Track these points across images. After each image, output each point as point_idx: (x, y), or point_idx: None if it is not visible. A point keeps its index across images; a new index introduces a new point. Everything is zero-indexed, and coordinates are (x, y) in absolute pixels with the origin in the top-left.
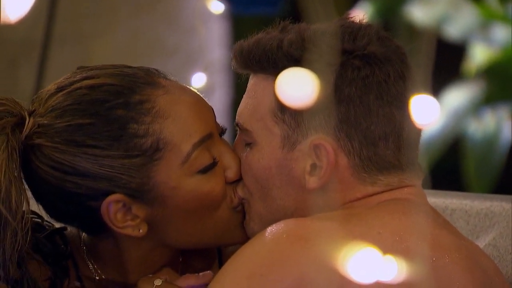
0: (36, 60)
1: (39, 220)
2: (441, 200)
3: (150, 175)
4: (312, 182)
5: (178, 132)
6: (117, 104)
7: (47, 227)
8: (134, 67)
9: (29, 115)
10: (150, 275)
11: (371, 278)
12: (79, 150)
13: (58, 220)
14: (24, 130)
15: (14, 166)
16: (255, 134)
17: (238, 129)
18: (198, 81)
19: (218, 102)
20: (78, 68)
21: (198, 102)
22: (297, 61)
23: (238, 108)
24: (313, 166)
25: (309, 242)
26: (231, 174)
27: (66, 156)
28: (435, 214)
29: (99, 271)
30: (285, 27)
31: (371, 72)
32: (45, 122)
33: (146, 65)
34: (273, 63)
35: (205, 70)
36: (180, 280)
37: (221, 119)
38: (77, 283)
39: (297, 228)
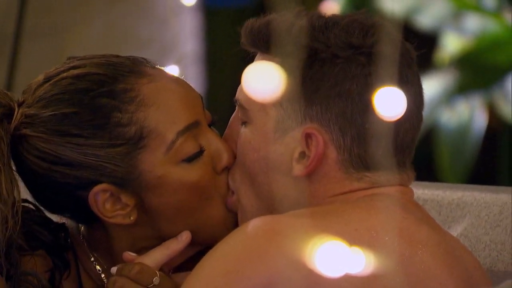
0: (8, 54)
1: (43, 213)
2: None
3: (135, 163)
4: (297, 169)
5: (162, 120)
6: (101, 92)
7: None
8: (123, 57)
9: (18, 106)
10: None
11: (347, 274)
12: (63, 139)
13: (50, 211)
14: (13, 120)
15: (2, 155)
16: (251, 113)
17: (237, 105)
18: (171, 73)
19: None
20: (68, 58)
21: (184, 90)
22: (303, 48)
23: (241, 84)
24: (302, 154)
25: (286, 238)
26: (221, 162)
27: (50, 145)
28: (416, 209)
29: (100, 261)
30: (300, 12)
31: (374, 71)
32: (32, 112)
33: None
34: (279, 46)
35: (178, 62)
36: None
37: None
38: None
39: (273, 224)
